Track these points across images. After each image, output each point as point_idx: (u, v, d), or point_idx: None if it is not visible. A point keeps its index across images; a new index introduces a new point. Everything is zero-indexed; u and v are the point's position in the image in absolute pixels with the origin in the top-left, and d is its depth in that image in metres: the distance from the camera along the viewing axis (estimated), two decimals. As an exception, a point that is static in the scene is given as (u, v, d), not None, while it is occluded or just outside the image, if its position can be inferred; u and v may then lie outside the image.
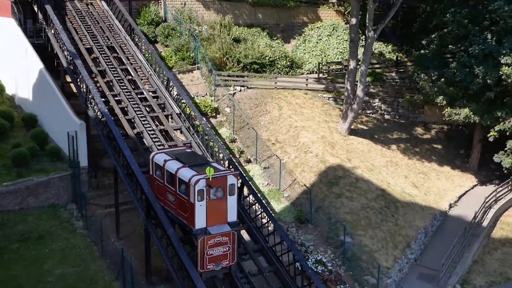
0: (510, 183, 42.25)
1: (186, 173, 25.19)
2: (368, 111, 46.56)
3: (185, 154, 27.46)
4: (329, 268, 29.98)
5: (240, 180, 28.77)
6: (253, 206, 31.09)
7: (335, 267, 30.44)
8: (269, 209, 32.84)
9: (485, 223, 38.53)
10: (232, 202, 25.63)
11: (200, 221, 24.80)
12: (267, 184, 36.41)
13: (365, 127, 44.33)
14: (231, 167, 30.42)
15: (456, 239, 34.60)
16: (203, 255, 24.47)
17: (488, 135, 40.83)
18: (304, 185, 35.49)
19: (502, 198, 41.34)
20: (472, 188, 42.35)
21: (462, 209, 39.22)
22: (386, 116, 46.88)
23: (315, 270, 29.38)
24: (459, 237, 35.07)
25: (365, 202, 35.31)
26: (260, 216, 30.70)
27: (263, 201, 33.58)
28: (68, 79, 38.76)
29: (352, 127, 42.00)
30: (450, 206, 39.51)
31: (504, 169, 40.44)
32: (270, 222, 29.59)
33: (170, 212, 26.53)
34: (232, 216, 25.78)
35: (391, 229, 34.27)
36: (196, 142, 33.08)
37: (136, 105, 34.50)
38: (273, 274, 27.79)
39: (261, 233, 29.74)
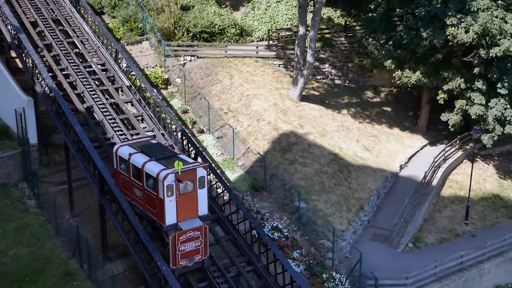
0: (457, 142, 43.41)
1: (153, 168, 24.26)
2: (319, 77, 46.88)
3: (150, 146, 26.48)
4: (285, 234, 30.46)
5: (210, 172, 28.75)
6: (208, 176, 31.23)
7: (291, 233, 30.97)
8: (224, 179, 33.01)
9: (434, 182, 39.64)
10: (202, 195, 24.83)
11: (170, 217, 24.00)
12: (221, 153, 36.53)
13: (316, 93, 44.68)
14: (199, 158, 29.37)
15: (407, 199, 35.54)
16: (175, 252, 23.82)
17: (437, 97, 41.66)
18: (258, 153, 35.74)
19: (450, 157, 42.49)
20: (422, 148, 43.33)
21: (412, 170, 40.18)
22: (337, 81, 47.32)
23: (272, 236, 29.86)
24: (410, 197, 36.03)
25: (318, 167, 35.83)
26: (215, 186, 30.88)
27: (218, 171, 33.76)
28: (13, 54, 37.79)
29: (303, 93, 42.27)
30: (401, 167, 40.41)
31: (450, 127, 41.49)
32: (226, 191, 29.82)
33: (138, 207, 25.66)
34: (203, 209, 25.04)
35: (345, 192, 34.93)
36: (148, 115, 32.84)
37: (85, 79, 33.95)
38: (230, 243, 28.13)
39: (217, 202, 29.97)
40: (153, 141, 27.99)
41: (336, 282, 27.91)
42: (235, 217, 29.14)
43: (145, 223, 25.90)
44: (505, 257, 34.34)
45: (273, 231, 30.34)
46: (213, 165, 32.63)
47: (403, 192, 37.29)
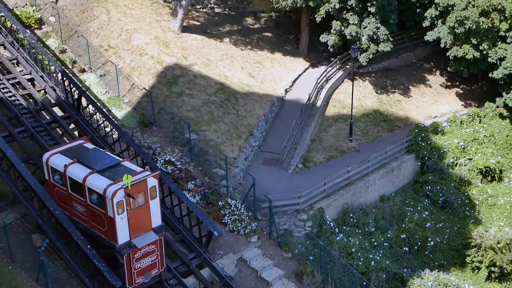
0: (337, 62, 44.79)
1: (97, 183, 21.82)
2: (198, 6, 46.28)
3: (87, 154, 23.55)
4: (178, 167, 30.62)
5: (164, 182, 26.43)
6: (95, 116, 30.57)
7: (184, 165, 31.16)
8: (111, 117, 32.40)
9: (319, 103, 40.95)
10: (154, 206, 22.71)
11: (122, 236, 21.85)
12: (106, 92, 35.63)
13: (197, 23, 44.18)
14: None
15: (294, 122, 36.55)
16: (131, 271, 22.22)
17: (315, 16, 42.45)
18: (144, 88, 35.20)
19: (332, 77, 43.87)
20: (304, 71, 44.36)
21: (297, 93, 41.19)
22: (216, 9, 46.93)
23: (165, 170, 29.92)
24: (297, 120, 37.09)
25: (205, 97, 35.90)
26: (103, 125, 30.30)
27: (104, 109, 33.02)
28: None
29: (184, 24, 41.67)
30: (286, 91, 41.29)
31: (330, 47, 42.67)
32: (114, 130, 29.38)
33: (80, 224, 23.22)
34: (156, 220, 22.93)
35: (234, 120, 35.38)
36: (23, 57, 31.31)
37: None
38: (124, 180, 27.91)
39: (106, 142, 29.51)
40: (87, 145, 24.72)
41: (232, 208, 28.62)
42: (126, 155, 28.92)
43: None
44: (387, 168, 36.52)
45: (166, 165, 30.39)
46: (98, 104, 31.83)
47: (290, 115, 38.29)
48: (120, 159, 23.87)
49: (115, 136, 29.78)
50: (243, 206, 29.19)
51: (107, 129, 30.04)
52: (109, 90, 35.69)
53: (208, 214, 28.40)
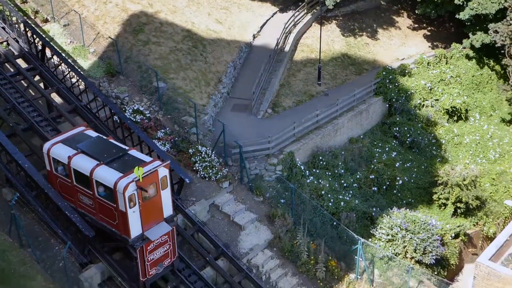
0: (305, 6, 44.54)
1: (106, 176, 20.98)
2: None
3: (91, 143, 22.56)
4: (147, 116, 30.58)
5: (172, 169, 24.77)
6: (60, 67, 30.22)
7: (153, 114, 31.13)
8: (77, 67, 32.01)
9: (287, 48, 40.90)
10: (166, 195, 22.08)
11: (135, 229, 21.23)
12: (70, 42, 35.05)
13: (161, -31, 43.35)
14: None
15: (262, 67, 36.56)
16: (144, 263, 21.73)
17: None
18: (109, 37, 34.72)
19: (300, 22, 43.74)
20: (272, 16, 44.10)
21: (265, 38, 41.05)
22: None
23: (134, 120, 29.86)
24: (265, 65, 37.10)
25: (172, 45, 35.59)
26: (68, 76, 29.98)
27: (69, 60, 32.56)
28: None
29: (149, -30, 40.88)
30: (254, 36, 41.10)
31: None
32: (80, 80, 29.10)
33: (87, 216, 22.51)
34: (167, 210, 22.37)
35: (202, 67, 35.24)
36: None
37: None
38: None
39: (73, 92, 29.29)
40: (89, 133, 23.68)
41: (202, 155, 28.83)
42: (94, 105, 28.76)
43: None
44: (355, 111, 36.91)
45: (134, 114, 30.30)
46: (63, 55, 31.36)
47: (258, 61, 38.27)
48: (126, 147, 22.94)
49: (82, 87, 29.50)
50: (213, 152, 29.42)
51: (73, 80, 29.72)
52: (73, 40, 35.12)
53: (179, 162, 28.58)
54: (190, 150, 29.07)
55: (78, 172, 21.77)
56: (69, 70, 29.44)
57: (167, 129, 30.25)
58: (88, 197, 22.02)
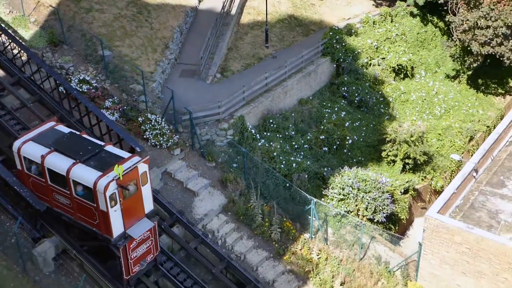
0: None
1: (85, 175, 20.28)
2: None
3: (64, 140, 21.63)
4: (94, 85, 30.06)
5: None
6: (0, 38, 29.32)
7: (100, 83, 30.60)
8: (18, 38, 31.08)
9: (233, 11, 40.52)
10: (146, 191, 21.58)
11: (117, 228, 20.79)
12: (9, 12, 33.89)
13: None
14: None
15: (209, 32, 36.19)
16: (127, 261, 21.44)
17: None
18: (50, 5, 33.72)
19: (246, -16, 43.22)
20: (217, -21, 43.47)
21: (210, 2, 40.50)
22: None
23: (80, 90, 29.32)
24: (212, 29, 36.72)
25: (117, 12, 34.84)
26: (9, 47, 29.12)
27: (9, 30, 31.58)
28: None
29: None
30: (199, 0, 40.52)
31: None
32: (22, 51, 28.31)
33: (64, 215, 21.97)
34: (148, 206, 21.95)
35: (148, 34, 34.67)
36: None
37: None
38: (38, 103, 27.31)
39: (15, 64, 28.50)
40: (61, 129, 22.74)
41: (152, 123, 28.59)
42: (38, 77, 28.08)
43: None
44: (304, 72, 37.05)
45: (81, 84, 29.74)
46: (3, 25, 30.37)
47: (205, 25, 37.86)
48: (102, 143, 22.14)
49: (24, 58, 28.73)
50: (163, 120, 29.21)
51: (15, 52, 28.90)
52: (12, 9, 33.98)
53: (128, 131, 28.31)
54: (139, 119, 28.78)
55: (53, 172, 21.00)
56: (10, 41, 28.59)
57: (115, 98, 29.82)
58: (64, 197, 21.36)
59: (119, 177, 19.94)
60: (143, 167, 20.99)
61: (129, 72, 31.50)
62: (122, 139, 25.78)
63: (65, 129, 22.70)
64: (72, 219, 21.74)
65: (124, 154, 21.59)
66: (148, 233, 21.72)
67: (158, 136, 28.42)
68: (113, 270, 22.28)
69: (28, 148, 21.50)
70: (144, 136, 28.42)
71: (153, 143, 28.36)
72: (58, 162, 20.83)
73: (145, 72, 31.21)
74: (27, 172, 21.96)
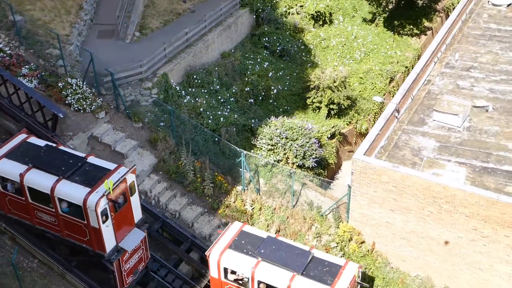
0: None
1: (72, 192, 19.44)
2: None
3: (42, 155, 20.48)
4: (8, 53, 28.83)
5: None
6: None
7: (13, 50, 29.38)
8: None
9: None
10: (135, 200, 21.04)
11: (110, 243, 20.25)
12: None
13: None
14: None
15: (124, -11, 35.26)
16: (121, 274, 20.94)
17: None
18: (-49, -29, 31.86)
19: None
20: None
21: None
22: None
23: (-6, 58, 28.18)
24: (127, -13, 35.76)
25: (24, -27, 33.30)
26: None
27: None
28: None
29: None
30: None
31: None
32: None
33: (49, 232, 21.10)
34: (137, 215, 21.41)
35: (59, -5, 33.47)
36: None
37: None
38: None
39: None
40: (34, 141, 21.57)
41: (73, 88, 27.86)
42: None
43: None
44: (224, 25, 36.82)
45: (-7, 53, 28.56)
46: None
47: (119, -18, 36.75)
48: (83, 154, 21.22)
49: None
50: (84, 83, 28.51)
51: None
52: None
53: (49, 97, 27.48)
54: (59, 84, 27.96)
55: (34, 190, 20.01)
56: None
57: (32, 64, 28.79)
58: (48, 215, 20.52)
59: (109, 192, 19.31)
60: (130, 177, 20.44)
61: (44, 37, 30.38)
62: (43, 106, 25.06)
63: (39, 141, 21.58)
64: (59, 236, 21.02)
65: (109, 165, 20.74)
66: (139, 243, 21.48)
67: (81, 100, 27.76)
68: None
69: (2, 166, 20.41)
70: (66, 102, 27.69)
71: (76, 108, 27.71)
72: (40, 180, 19.86)
73: (60, 36, 30.17)
74: (2, 190, 20.93)
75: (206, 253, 21.41)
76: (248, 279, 20.52)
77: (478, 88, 31.07)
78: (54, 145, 21.71)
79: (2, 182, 20.80)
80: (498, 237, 23.34)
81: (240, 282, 21.06)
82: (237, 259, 20.69)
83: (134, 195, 20.96)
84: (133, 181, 20.72)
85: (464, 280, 25.30)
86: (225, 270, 20.99)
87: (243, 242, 21.15)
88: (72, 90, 27.83)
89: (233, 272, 21.00)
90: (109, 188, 19.25)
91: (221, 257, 20.82)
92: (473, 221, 23.56)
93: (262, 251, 20.59)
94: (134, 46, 33.20)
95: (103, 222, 19.60)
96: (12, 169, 20.22)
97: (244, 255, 20.67)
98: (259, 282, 20.29)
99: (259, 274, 20.16)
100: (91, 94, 28.21)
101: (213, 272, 21.42)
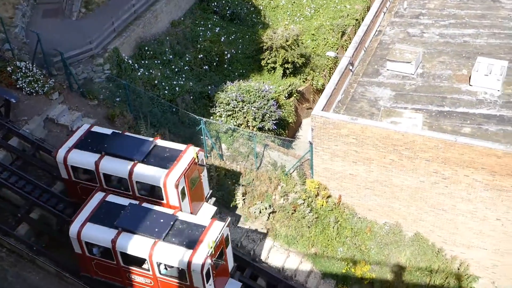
0: None
1: (173, 256, 19.34)
2: None
3: (130, 215, 20.15)
4: (-50, 41, 28.10)
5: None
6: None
7: (-44, 37, 28.62)
8: None
9: None
10: (229, 252, 21.38)
11: None
12: None
13: None
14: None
15: (64, -35, 34.37)
16: None
17: None
18: None
19: None
20: None
21: None
22: None
23: None
24: (67, -38, 34.85)
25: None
26: None
27: None
28: None
29: None
30: None
31: None
32: None
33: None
34: (231, 265, 21.86)
35: (-3, -23, 32.43)
36: None
37: None
38: None
39: None
40: (113, 199, 21.21)
41: (23, 71, 27.27)
42: None
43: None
44: (171, -7, 36.31)
45: None
46: None
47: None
48: (170, 211, 20.80)
49: None
50: (34, 65, 27.94)
51: None
52: None
53: (-1, 83, 26.94)
54: (8, 68, 27.34)
55: (128, 255, 19.96)
56: None
57: (-23, 51, 28.08)
58: (143, 277, 20.46)
59: (212, 252, 19.40)
60: (226, 231, 20.65)
61: (-14, 21, 29.56)
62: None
63: (119, 200, 21.16)
64: None
65: (202, 220, 20.64)
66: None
67: (32, 83, 27.23)
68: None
69: (90, 231, 20.17)
70: (17, 86, 27.12)
71: (28, 91, 27.18)
72: (134, 245, 19.72)
73: (4, 18, 29.40)
74: (88, 254, 20.81)
75: None
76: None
77: (428, 34, 31.46)
78: (136, 202, 21.29)
79: (88, 246, 20.58)
80: (459, 177, 23.99)
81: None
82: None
83: (228, 247, 21.30)
84: (228, 234, 21.00)
85: (429, 222, 26.02)
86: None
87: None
88: (22, 73, 27.26)
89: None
90: (212, 247, 19.35)
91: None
92: (433, 164, 24.13)
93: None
94: (81, 23, 32.54)
95: (208, 282, 19.73)
96: (103, 235, 20.12)
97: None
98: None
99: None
100: (42, 76, 27.69)
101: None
